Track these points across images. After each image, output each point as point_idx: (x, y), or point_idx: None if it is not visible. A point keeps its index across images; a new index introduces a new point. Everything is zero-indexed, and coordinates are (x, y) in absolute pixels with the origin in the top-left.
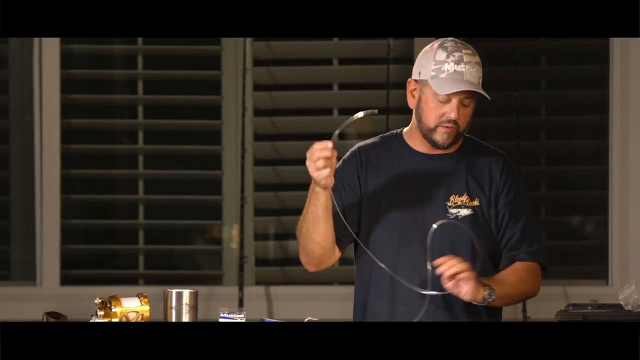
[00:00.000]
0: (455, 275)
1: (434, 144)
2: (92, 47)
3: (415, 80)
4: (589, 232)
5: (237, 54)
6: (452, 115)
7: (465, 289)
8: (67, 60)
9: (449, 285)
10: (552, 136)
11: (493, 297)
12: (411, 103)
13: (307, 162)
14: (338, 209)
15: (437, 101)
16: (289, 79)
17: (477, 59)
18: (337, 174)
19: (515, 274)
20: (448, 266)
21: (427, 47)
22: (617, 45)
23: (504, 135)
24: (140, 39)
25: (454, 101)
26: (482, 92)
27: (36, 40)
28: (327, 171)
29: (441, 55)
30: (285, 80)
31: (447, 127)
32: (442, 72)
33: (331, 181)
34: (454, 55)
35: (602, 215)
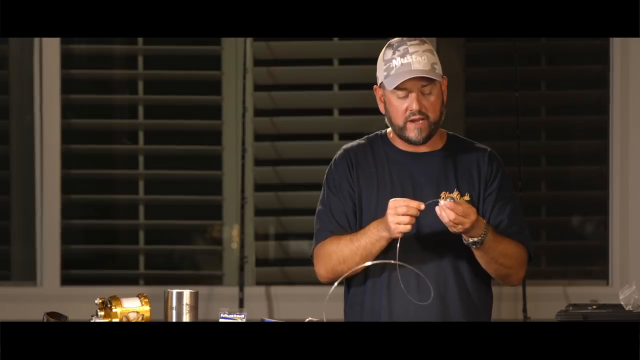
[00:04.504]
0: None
1: (409, 142)
2: (92, 47)
3: (379, 86)
4: (589, 232)
5: (237, 54)
6: (414, 106)
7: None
8: (67, 60)
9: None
10: (552, 136)
11: (483, 240)
12: (381, 108)
13: (390, 211)
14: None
15: (397, 98)
16: (289, 79)
17: (425, 47)
18: (330, 177)
19: (512, 245)
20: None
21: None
22: (617, 45)
23: (504, 135)
24: (140, 39)
25: (413, 92)
26: (431, 75)
27: (36, 40)
28: (408, 227)
29: (388, 54)
30: (285, 80)
31: (415, 121)
32: (391, 70)
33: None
34: (399, 50)
35: (602, 215)
